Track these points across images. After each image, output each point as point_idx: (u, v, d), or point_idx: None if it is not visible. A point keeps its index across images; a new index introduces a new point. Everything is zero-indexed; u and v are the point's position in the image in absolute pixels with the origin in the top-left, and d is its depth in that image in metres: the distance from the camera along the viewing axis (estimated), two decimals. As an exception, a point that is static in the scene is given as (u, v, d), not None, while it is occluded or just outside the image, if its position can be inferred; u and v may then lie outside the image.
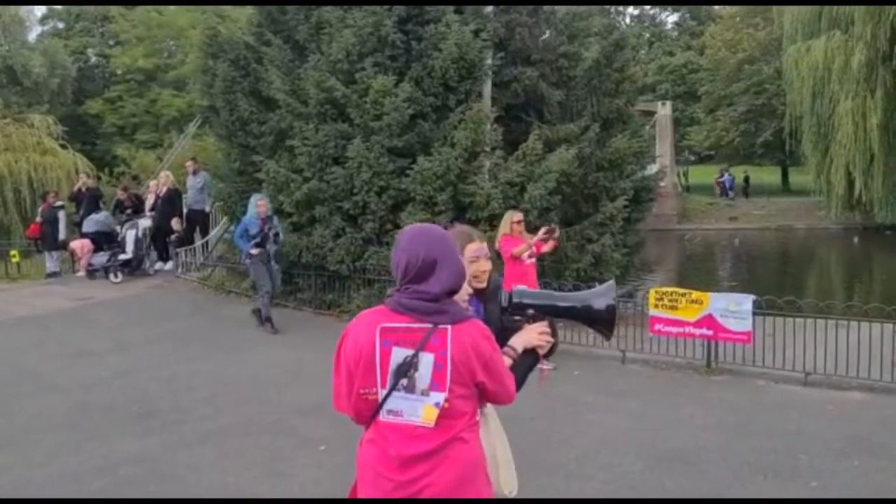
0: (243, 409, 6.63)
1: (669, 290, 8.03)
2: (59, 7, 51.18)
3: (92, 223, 13.06)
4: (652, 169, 12.82)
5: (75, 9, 50.83)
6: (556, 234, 8.32)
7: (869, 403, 6.72)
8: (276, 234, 10.00)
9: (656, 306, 7.95)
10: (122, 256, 12.99)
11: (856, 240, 27.72)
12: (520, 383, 2.65)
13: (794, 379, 7.30)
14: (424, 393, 2.34)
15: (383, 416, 2.38)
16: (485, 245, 3.02)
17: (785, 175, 42.31)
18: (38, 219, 14.01)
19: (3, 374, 8.00)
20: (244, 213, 11.99)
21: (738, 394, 7.09)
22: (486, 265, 2.99)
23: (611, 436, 5.93)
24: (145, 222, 13.26)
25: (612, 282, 2.79)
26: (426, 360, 2.33)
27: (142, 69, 43.16)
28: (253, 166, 11.29)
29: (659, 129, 34.97)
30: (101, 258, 12.88)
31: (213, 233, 13.48)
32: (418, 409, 2.35)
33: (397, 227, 10.23)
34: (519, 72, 11.67)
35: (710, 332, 7.67)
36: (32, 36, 45.93)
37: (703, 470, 5.14)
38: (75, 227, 13.88)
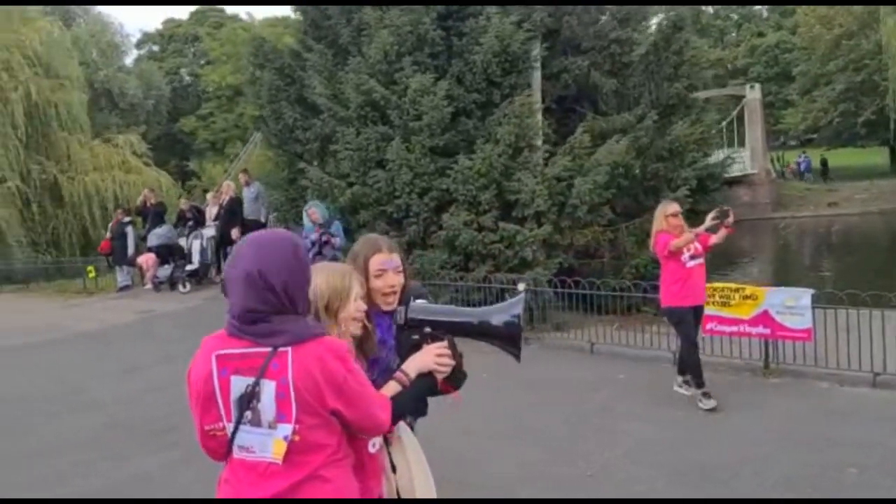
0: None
1: (721, 285, 7.39)
2: (153, 30, 53.63)
3: (155, 237, 13.38)
4: (719, 156, 12.03)
5: (168, 31, 53.10)
6: (730, 218, 6.44)
7: (947, 407, 5.96)
8: (326, 242, 9.57)
9: (708, 303, 7.32)
10: (188, 267, 13.24)
11: None
12: (406, 410, 2.30)
13: (861, 380, 6.57)
14: (272, 426, 2.02)
15: (236, 453, 2.08)
16: (395, 256, 2.66)
17: (894, 155, 39.55)
18: (108, 235, 14.49)
19: (50, 391, 8.16)
20: (297, 221, 12.03)
21: (796, 398, 6.43)
22: (394, 279, 2.63)
23: (640, 448, 5.42)
24: (209, 232, 13.47)
25: (521, 295, 2.39)
26: (268, 388, 2.00)
27: (230, 85, 44.61)
28: (301, 174, 11.23)
29: (748, 113, 33.32)
30: (166, 271, 13.17)
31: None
32: (268, 444, 2.03)
33: (441, 228, 9.96)
34: (569, 62, 11.20)
35: (767, 331, 7.01)
36: (129, 60, 48.18)
37: (730, 487, 4.60)
38: (143, 242, 14.27)
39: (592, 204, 9.91)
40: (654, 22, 12.64)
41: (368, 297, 2.69)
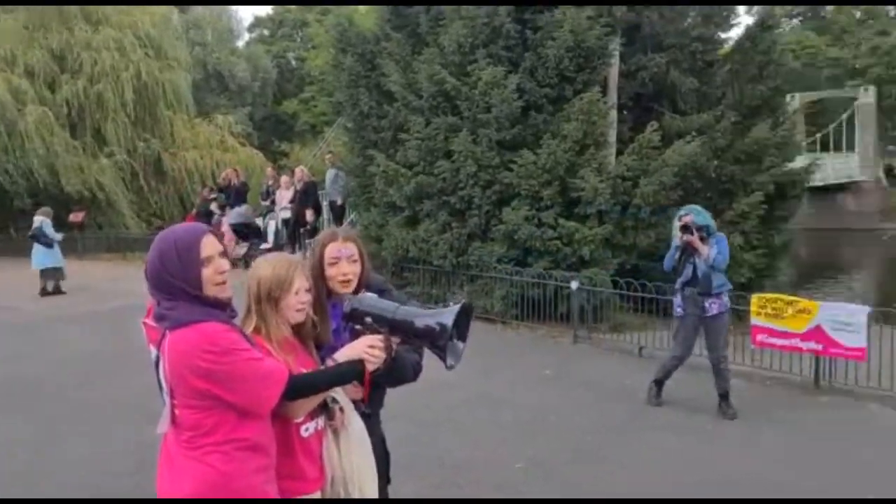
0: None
1: (773, 296, 7.15)
2: (264, 14, 55.38)
3: (234, 215, 13.95)
4: (800, 161, 11.54)
5: (278, 16, 54.72)
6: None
7: None
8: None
9: (759, 314, 7.11)
10: (263, 246, 13.76)
11: None
12: (316, 387, 2.36)
13: (916, 405, 6.24)
14: (168, 395, 2.21)
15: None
16: (349, 245, 2.72)
17: None
18: (193, 211, 15.18)
19: (116, 351, 8.73)
20: (366, 207, 12.22)
21: (841, 419, 6.19)
22: (348, 268, 2.69)
23: (654, 460, 5.28)
24: (284, 213, 13.93)
25: (456, 307, 2.34)
26: (163, 362, 2.18)
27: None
28: (371, 161, 11.44)
29: (860, 117, 31.59)
30: (243, 248, 13.71)
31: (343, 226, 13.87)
32: (165, 413, 2.23)
33: (501, 222, 9.97)
34: (648, 59, 10.96)
35: (820, 347, 6.75)
36: (240, 43, 49.97)
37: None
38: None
39: (657, 205, 9.72)
40: (740, 20, 12.24)
41: (327, 285, 2.78)
